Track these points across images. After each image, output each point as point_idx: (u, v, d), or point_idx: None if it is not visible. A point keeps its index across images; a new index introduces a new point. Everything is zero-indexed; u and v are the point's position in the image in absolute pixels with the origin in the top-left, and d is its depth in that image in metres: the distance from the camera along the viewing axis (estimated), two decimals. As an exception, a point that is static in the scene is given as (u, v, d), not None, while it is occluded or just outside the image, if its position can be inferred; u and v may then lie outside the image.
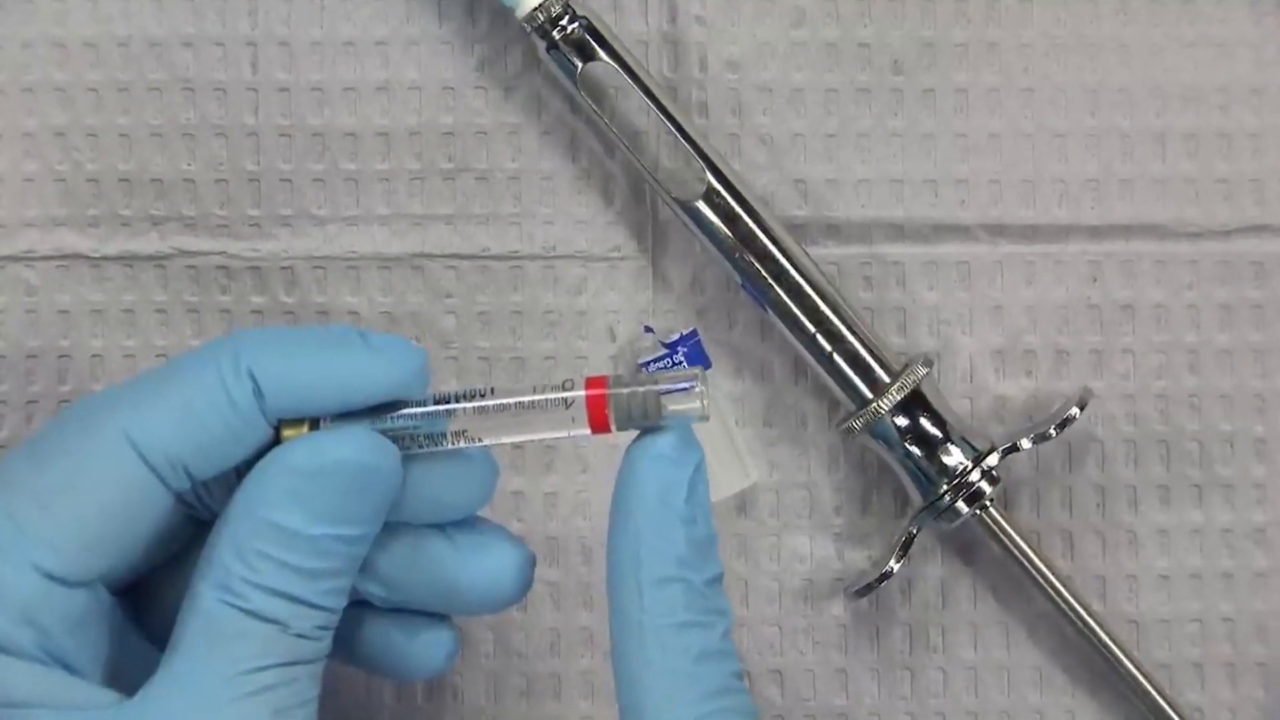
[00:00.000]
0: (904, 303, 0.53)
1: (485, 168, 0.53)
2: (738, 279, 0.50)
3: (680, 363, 0.53)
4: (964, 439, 0.50)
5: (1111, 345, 0.53)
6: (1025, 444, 0.49)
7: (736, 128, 0.53)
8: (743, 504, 0.53)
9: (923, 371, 0.49)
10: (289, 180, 0.53)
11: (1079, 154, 0.53)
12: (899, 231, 0.53)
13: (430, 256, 0.53)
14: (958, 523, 0.50)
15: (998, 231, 0.53)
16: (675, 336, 0.53)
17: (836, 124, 0.53)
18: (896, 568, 0.51)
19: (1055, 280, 0.53)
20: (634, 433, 0.41)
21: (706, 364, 0.53)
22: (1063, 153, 0.53)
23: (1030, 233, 0.53)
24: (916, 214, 0.53)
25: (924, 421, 0.50)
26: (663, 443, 0.39)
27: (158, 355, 0.53)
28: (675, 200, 0.50)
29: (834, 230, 0.53)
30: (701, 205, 0.49)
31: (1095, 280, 0.53)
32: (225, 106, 0.53)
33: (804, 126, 0.53)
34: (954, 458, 0.49)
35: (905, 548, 0.51)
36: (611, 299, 0.53)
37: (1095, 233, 0.53)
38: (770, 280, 0.50)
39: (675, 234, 0.53)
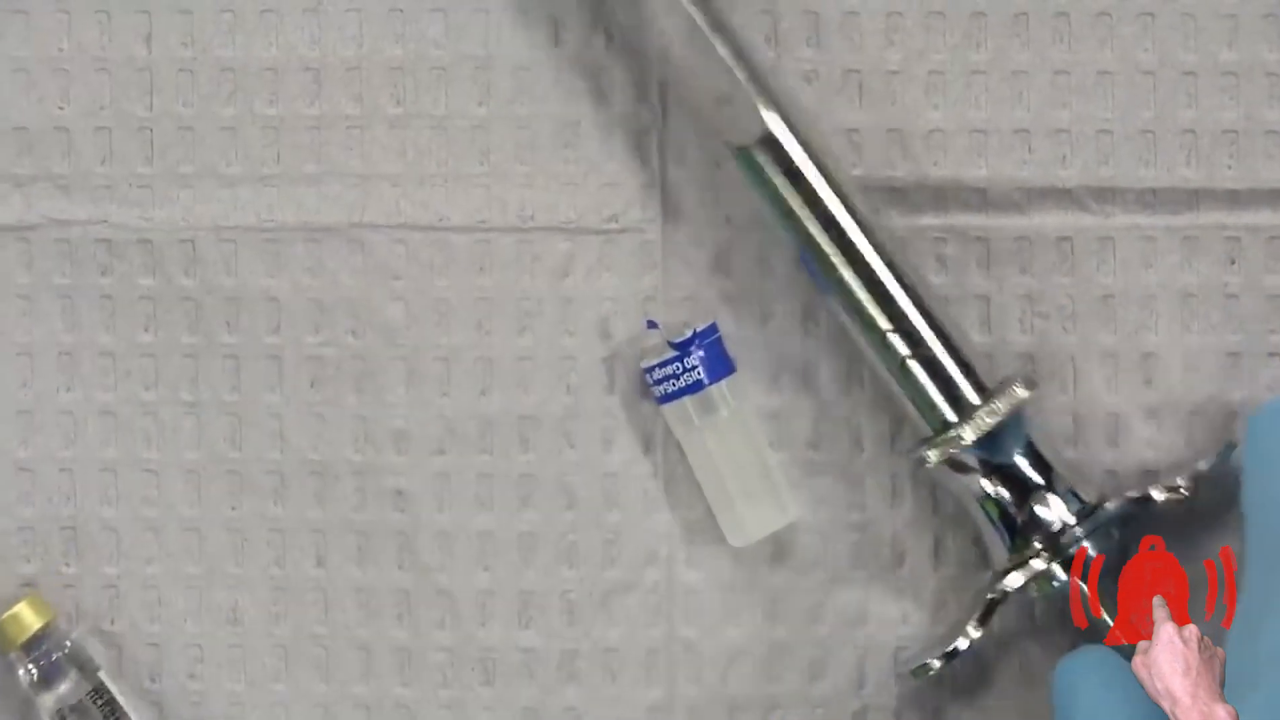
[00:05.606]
0: (987, 289, 0.50)
1: (443, 113, 0.50)
2: (798, 250, 0.47)
3: (695, 367, 0.49)
4: (1071, 491, 0.47)
5: (1255, 347, 0.50)
6: (1158, 496, 0.46)
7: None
8: (778, 549, 0.50)
9: (1023, 394, 0.46)
10: (189, 128, 0.50)
11: (1213, 96, 0.50)
12: (981, 197, 0.50)
13: (372, 226, 0.50)
14: (1053, 591, 0.47)
15: (1108, 197, 0.50)
16: (689, 333, 0.49)
17: (900, 58, 0.50)
18: (968, 643, 0.47)
19: (1182, 261, 0.50)
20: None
21: (729, 368, 0.49)
22: (1192, 95, 0.50)
23: (1150, 199, 0.50)
24: (1003, 174, 0.50)
25: (1020, 460, 0.46)
26: None
27: (19, 354, 0.50)
28: (726, 144, 0.46)
29: (897, 195, 0.50)
30: (757, 152, 0.46)
31: (1234, 262, 0.50)
32: (109, 33, 0.50)
33: (859, 61, 0.50)
34: (1053, 512, 0.46)
35: (986, 616, 0.47)
36: (607, 283, 0.50)
37: (1234, 199, 0.50)
38: (837, 258, 0.46)
39: (691, 198, 0.50)
